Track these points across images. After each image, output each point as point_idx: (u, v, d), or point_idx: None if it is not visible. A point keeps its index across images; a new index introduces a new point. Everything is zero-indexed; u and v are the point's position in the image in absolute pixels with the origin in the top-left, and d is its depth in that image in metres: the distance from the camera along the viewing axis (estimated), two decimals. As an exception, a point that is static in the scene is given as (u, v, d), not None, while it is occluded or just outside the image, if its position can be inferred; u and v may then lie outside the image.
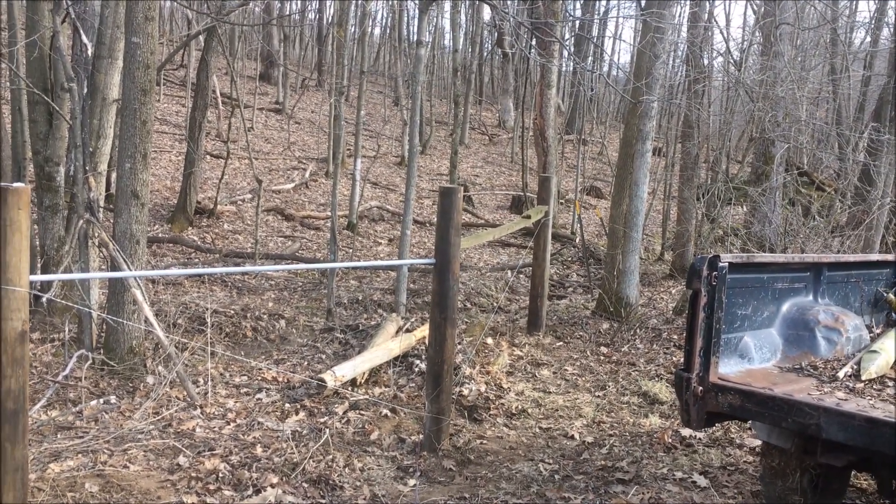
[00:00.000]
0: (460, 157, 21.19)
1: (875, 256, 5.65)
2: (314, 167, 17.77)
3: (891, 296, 5.25)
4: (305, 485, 4.58)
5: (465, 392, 6.21)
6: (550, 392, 6.70)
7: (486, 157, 23.16)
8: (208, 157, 16.42)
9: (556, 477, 4.97)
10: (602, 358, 7.75)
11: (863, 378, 3.99)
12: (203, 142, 13.12)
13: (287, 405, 5.92)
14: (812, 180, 14.76)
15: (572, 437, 5.70)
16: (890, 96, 10.98)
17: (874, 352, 4.21)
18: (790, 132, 10.37)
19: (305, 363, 7.06)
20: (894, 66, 11.41)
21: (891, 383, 4.03)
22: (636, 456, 5.33)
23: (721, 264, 3.80)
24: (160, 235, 11.77)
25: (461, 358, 6.77)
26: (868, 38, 18.51)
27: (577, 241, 13.84)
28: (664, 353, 7.93)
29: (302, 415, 5.75)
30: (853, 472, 4.66)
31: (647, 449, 5.49)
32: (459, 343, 7.15)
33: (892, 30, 15.38)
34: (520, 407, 6.19)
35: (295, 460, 4.84)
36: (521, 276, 11.50)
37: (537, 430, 5.86)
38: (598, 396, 6.66)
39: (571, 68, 23.80)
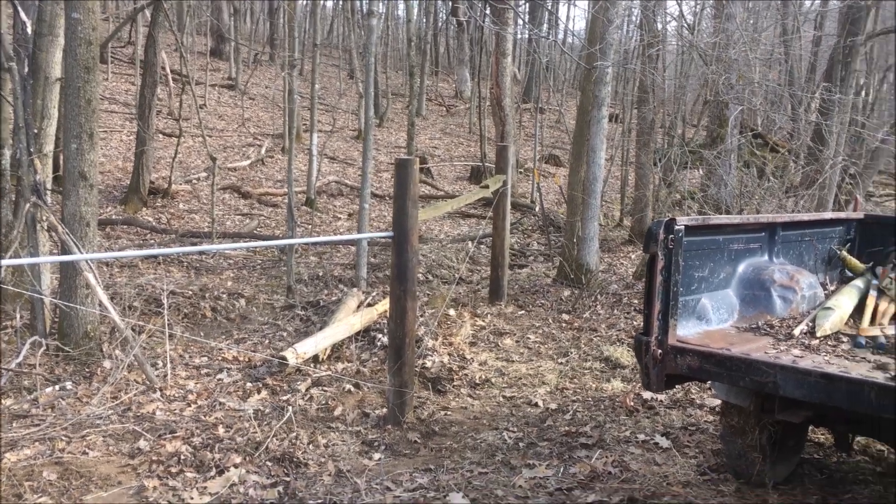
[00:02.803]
0: (418, 129, 21.05)
1: (828, 215, 5.73)
2: (270, 143, 17.52)
3: (844, 253, 5.33)
4: (269, 463, 4.55)
5: (429, 364, 6.20)
6: (513, 361, 6.72)
7: (444, 129, 23.05)
8: (160, 135, 16.10)
9: (521, 444, 4.99)
10: (564, 325, 7.79)
11: (818, 335, 4.05)
12: (154, 120, 12.83)
13: (249, 384, 5.86)
14: (766, 142, 14.93)
15: (536, 405, 5.73)
16: (840, 56, 11.11)
17: (828, 308, 4.27)
18: (744, 94, 10.44)
19: (267, 342, 6.99)
20: (843, 27, 11.53)
21: (845, 339, 4.09)
22: (599, 420, 5.38)
23: (677, 227, 3.80)
24: (114, 217, 11.53)
25: (423, 330, 6.76)
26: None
27: (537, 209, 13.86)
28: (625, 317, 8.00)
29: (264, 393, 5.70)
30: (811, 428, 4.75)
31: (609, 413, 5.55)
32: (421, 315, 7.14)
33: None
34: (483, 377, 6.21)
35: (258, 439, 4.80)
36: (482, 246, 11.49)
37: (501, 399, 5.88)
38: (561, 363, 6.70)
39: (527, 36, 23.69)
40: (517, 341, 7.26)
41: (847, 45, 10.63)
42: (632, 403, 5.66)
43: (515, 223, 13.47)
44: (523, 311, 8.21)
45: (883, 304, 4.50)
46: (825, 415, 4.01)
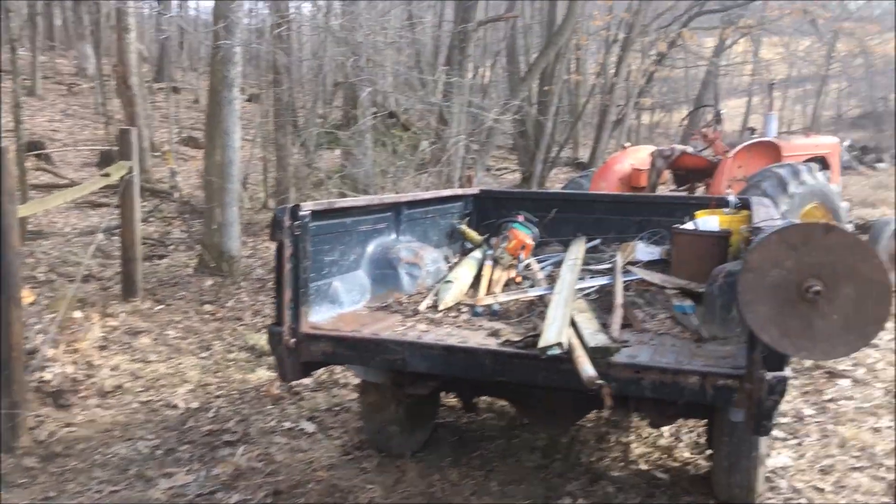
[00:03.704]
0: (34, 110, 18.83)
1: (447, 192, 6.11)
2: None
3: (463, 227, 5.72)
4: None
5: (48, 377, 5.51)
6: (151, 361, 6.26)
7: (65, 110, 20.82)
8: None
9: (158, 452, 4.65)
10: (207, 317, 7.45)
11: (440, 308, 4.27)
12: None
13: None
14: (399, 121, 15.71)
15: (176, 406, 5.38)
16: (457, 42, 11.98)
17: (449, 282, 4.53)
18: (374, 76, 10.80)
19: None
20: (458, 14, 12.44)
21: (465, 309, 4.37)
22: (244, 414, 5.22)
23: (302, 213, 3.75)
24: None
25: (42, 339, 6.00)
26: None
27: (176, 195, 13.16)
28: (271, 303, 7.85)
29: None
30: (443, 394, 5.03)
31: (255, 405, 5.40)
32: (38, 322, 6.34)
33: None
34: (115, 383, 5.69)
35: None
36: (116, 238, 10.59)
37: (136, 405, 5.43)
38: (204, 358, 6.39)
39: (155, 11, 22.29)
40: (155, 339, 6.78)
41: (461, 31, 11.48)
42: (277, 391, 5.58)
43: (153, 210, 12.66)
44: (162, 306, 7.70)
45: (497, 273, 4.90)
46: (451, 382, 4.26)
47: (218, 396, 5.58)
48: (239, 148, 8.83)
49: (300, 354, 3.76)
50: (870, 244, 6.97)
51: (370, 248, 4.63)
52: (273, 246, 3.72)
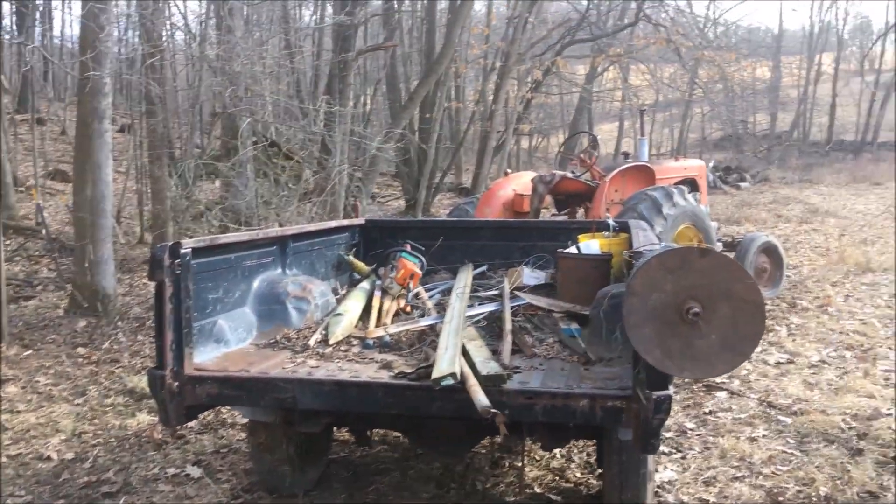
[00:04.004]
0: None
1: (333, 223, 6.04)
2: None
3: (350, 257, 5.66)
4: None
5: None
6: (19, 411, 5.87)
7: (-83, 143, 19.45)
8: None
9: (31, 510, 4.35)
10: (81, 360, 7.06)
11: (331, 342, 4.19)
12: None
13: None
14: (281, 150, 15.49)
15: (49, 458, 5.05)
16: (337, 70, 11.95)
17: (339, 314, 4.45)
18: (254, 106, 10.63)
19: None
20: (337, 43, 12.43)
21: (356, 342, 4.30)
22: (124, 462, 4.95)
23: (184, 251, 3.60)
24: None
25: None
26: (316, 15, 19.89)
27: (44, 232, 12.46)
28: (150, 342, 7.53)
29: None
30: (335, 429, 4.94)
31: (136, 451, 5.14)
32: None
33: (333, 8, 16.73)
34: (-21, 437, 5.30)
35: None
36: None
37: (4, 459, 5.06)
38: (78, 405, 6.04)
39: (14, 40, 21.15)
40: (23, 387, 6.37)
41: (340, 60, 11.48)
42: (160, 436, 5.33)
43: (18, 249, 11.96)
44: (30, 351, 7.25)
45: (386, 304, 4.87)
46: (345, 415, 4.18)
47: (95, 445, 5.27)
48: (111, 181, 8.47)
49: (184, 398, 3.60)
50: (738, 260, 7.36)
51: (256, 283, 4.50)
52: (152, 284, 3.57)
